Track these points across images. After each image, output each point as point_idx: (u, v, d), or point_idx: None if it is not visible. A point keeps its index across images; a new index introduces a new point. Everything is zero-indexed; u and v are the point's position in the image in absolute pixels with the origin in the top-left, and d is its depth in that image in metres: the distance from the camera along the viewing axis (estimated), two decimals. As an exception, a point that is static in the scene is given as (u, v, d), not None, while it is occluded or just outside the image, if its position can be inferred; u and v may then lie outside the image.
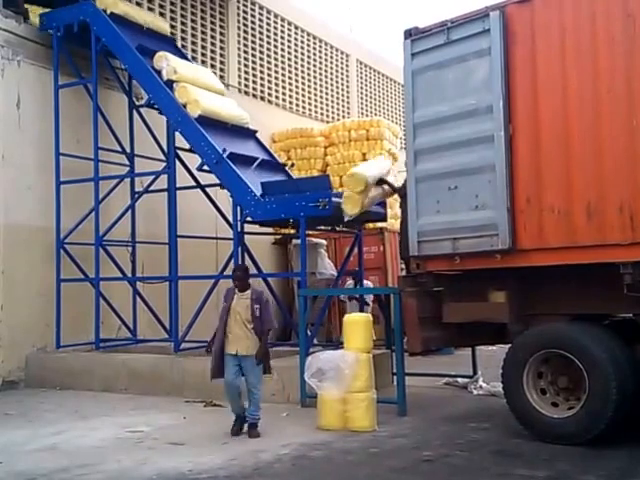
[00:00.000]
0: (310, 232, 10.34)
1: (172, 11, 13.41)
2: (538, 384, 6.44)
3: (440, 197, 6.95)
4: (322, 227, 10.22)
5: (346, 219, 8.54)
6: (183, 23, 13.67)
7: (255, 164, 10.02)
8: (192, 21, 13.89)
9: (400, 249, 9.01)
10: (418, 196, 7.15)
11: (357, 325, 7.22)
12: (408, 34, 7.33)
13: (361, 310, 9.89)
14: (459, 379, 9.22)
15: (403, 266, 13.56)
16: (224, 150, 9.38)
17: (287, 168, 10.90)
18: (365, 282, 11.16)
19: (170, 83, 10.10)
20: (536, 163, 6.41)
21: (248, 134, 10.96)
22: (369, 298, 10.76)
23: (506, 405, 6.60)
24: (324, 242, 10.35)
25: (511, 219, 6.46)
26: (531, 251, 6.41)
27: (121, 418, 7.78)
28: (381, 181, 8.85)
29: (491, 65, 6.64)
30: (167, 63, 10.19)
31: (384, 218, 9.99)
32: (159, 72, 10.16)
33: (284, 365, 8.40)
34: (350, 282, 11.13)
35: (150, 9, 12.72)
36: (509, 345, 6.72)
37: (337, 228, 9.86)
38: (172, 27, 13.09)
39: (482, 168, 6.66)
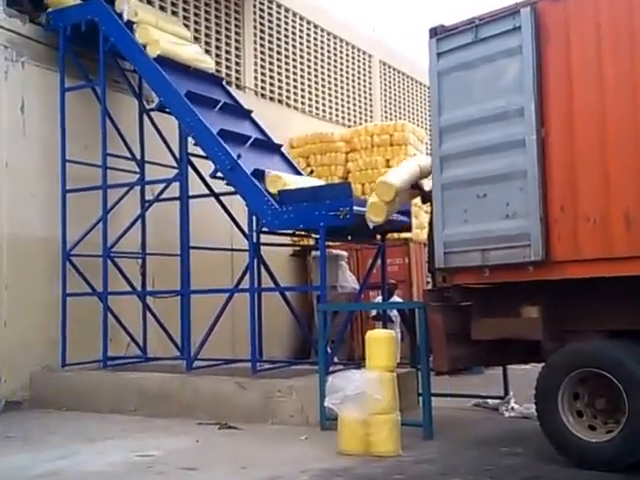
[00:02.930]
0: (330, 243, 10.37)
1: (185, 10, 13.54)
2: (574, 406, 6.38)
3: (468, 205, 6.94)
4: (343, 238, 10.25)
5: (371, 226, 8.58)
6: (196, 22, 13.80)
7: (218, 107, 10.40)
8: (206, 20, 14.01)
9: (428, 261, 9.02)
10: (444, 204, 7.14)
11: (380, 342, 7.22)
12: (433, 33, 7.34)
13: (384, 327, 9.91)
14: (489, 400, 9.18)
15: (430, 279, 13.71)
16: (239, 156, 9.44)
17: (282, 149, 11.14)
18: (394, 297, 11.15)
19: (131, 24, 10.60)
20: (570, 169, 6.38)
21: (214, 81, 11.46)
22: (392, 313, 10.76)
23: (540, 428, 6.56)
24: (345, 254, 10.38)
25: (544, 229, 6.43)
26: (566, 263, 6.37)
27: (130, 441, 7.81)
28: (414, 186, 8.91)
29: (522, 65, 6.63)
30: (128, 5, 10.66)
31: (409, 228, 10.00)
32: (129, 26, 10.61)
33: (303, 385, 8.43)
34: (379, 297, 11.11)
35: (162, 8, 12.85)
36: (542, 364, 6.69)
37: (359, 239, 9.88)
38: (185, 27, 13.16)
39: (513, 174, 6.64)
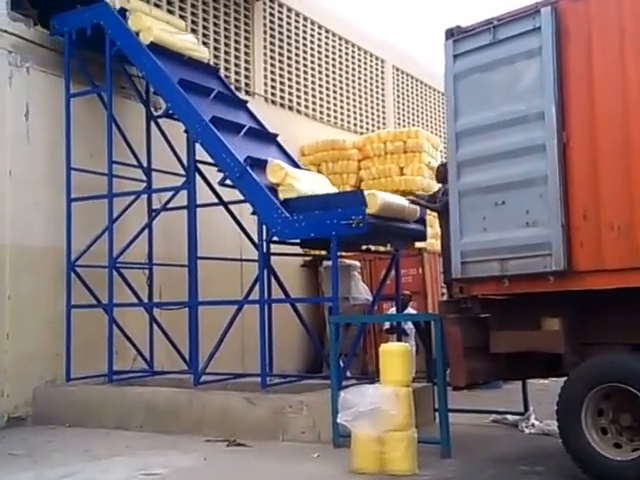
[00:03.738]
0: (342, 253, 10.26)
1: (193, 14, 13.49)
2: (598, 422, 6.23)
3: (486, 213, 6.81)
4: (356, 247, 10.16)
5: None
6: (205, 27, 13.74)
7: (212, 95, 10.55)
8: (214, 24, 13.95)
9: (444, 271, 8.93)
10: (461, 212, 7.02)
11: (395, 355, 7.08)
12: (450, 34, 7.24)
13: (399, 340, 9.77)
14: (508, 416, 9.01)
15: (444, 291, 13.56)
16: (246, 160, 9.36)
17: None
18: (409, 308, 11.03)
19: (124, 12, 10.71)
20: (593, 174, 6.25)
21: (209, 71, 11.52)
22: (407, 326, 10.63)
23: (562, 446, 6.40)
24: (358, 264, 10.27)
25: (566, 237, 6.30)
26: (588, 273, 6.24)
27: (135, 459, 7.70)
28: (412, 202, 8.95)
29: (542, 66, 6.52)
30: None
31: (424, 237, 9.88)
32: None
33: (315, 400, 8.29)
34: (392, 309, 10.98)
35: (170, 12, 12.80)
36: (564, 378, 6.54)
37: (372, 248, 9.78)
38: (193, 31, 13.19)
39: (533, 181, 6.52)
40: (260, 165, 9.46)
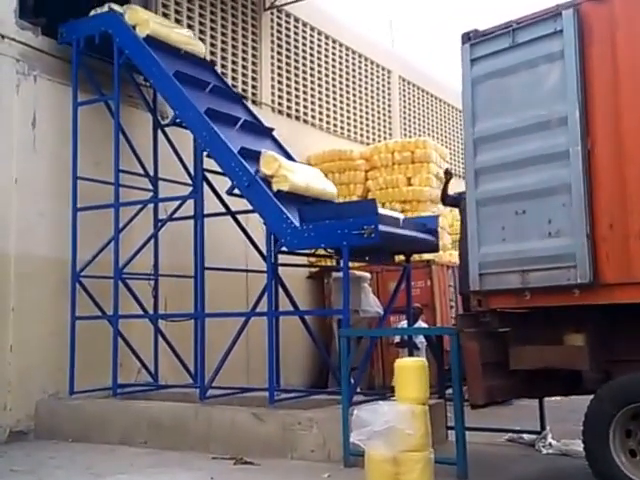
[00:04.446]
0: (352, 264, 9.87)
1: (201, 23, 13.19)
2: (626, 444, 5.83)
3: (506, 223, 6.44)
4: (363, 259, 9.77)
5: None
6: (212, 37, 13.44)
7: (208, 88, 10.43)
8: (222, 34, 13.65)
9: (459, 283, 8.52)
10: (479, 222, 6.66)
11: (410, 371, 6.62)
12: (467, 38, 6.92)
13: (410, 354, 9.34)
14: (524, 435, 8.53)
15: (453, 304, 13.15)
16: (256, 171, 9.02)
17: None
18: (419, 322, 10.64)
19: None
20: (620, 182, 5.90)
21: (205, 65, 11.38)
22: (418, 340, 10.21)
23: (582, 467, 6.05)
24: (368, 275, 9.87)
25: (591, 248, 5.93)
26: (615, 285, 5.87)
27: (140, 477, 7.33)
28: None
29: (564, 70, 6.19)
30: None
31: (435, 248, 9.47)
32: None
33: (325, 417, 7.84)
34: (403, 322, 10.57)
35: (177, 21, 12.52)
36: (587, 396, 6.14)
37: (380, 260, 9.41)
38: (201, 40, 12.87)
39: (555, 189, 6.16)
40: (254, 156, 9.23)
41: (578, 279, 5.95)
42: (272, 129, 10.98)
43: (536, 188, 6.27)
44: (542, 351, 6.37)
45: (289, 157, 10.40)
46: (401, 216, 9.21)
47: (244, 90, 13.92)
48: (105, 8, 10.67)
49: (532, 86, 6.41)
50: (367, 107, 17.87)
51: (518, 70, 6.51)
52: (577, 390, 6.71)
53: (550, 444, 8.06)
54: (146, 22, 10.38)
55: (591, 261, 5.91)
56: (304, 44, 15.86)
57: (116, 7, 10.65)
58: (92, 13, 10.83)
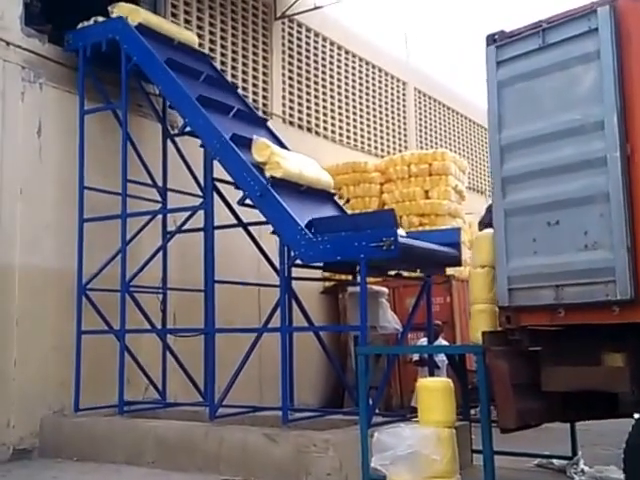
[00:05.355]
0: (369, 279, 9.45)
1: (211, 33, 12.95)
2: (671, 471, 5.37)
3: (537, 234, 6.00)
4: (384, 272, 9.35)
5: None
6: (223, 46, 13.20)
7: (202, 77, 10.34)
8: (232, 44, 13.38)
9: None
10: (508, 233, 6.22)
11: (435, 393, 6.19)
12: (492, 40, 6.52)
13: (431, 373, 8.88)
14: (554, 460, 8.01)
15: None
16: (268, 180, 8.63)
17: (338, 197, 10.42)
18: (439, 340, 10.19)
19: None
20: (662, 190, 5.46)
21: (199, 56, 11.32)
22: (439, 358, 9.76)
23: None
24: (386, 290, 9.43)
25: (632, 262, 5.47)
26: (658, 302, 5.41)
27: (145, 500, 6.92)
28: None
29: (600, 71, 5.77)
30: None
31: (458, 262, 9.01)
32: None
33: (341, 439, 7.41)
34: (422, 340, 10.11)
35: (188, 30, 12.20)
36: (630, 419, 5.71)
37: (404, 274, 8.98)
38: (211, 50, 12.76)
39: (591, 198, 5.73)
40: (245, 143, 8.99)
41: (618, 295, 5.49)
42: (267, 119, 10.86)
43: (571, 197, 5.83)
44: (578, 372, 5.90)
45: (283, 147, 10.09)
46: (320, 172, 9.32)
47: (254, 100, 13.63)
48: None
49: (565, 89, 6.00)
50: (382, 119, 17.57)
51: (549, 72, 6.10)
52: (614, 414, 6.24)
53: (582, 470, 7.54)
54: (136, 11, 10.39)
55: (632, 276, 5.46)
56: (316, 54, 15.56)
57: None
58: (93, 19, 10.59)
